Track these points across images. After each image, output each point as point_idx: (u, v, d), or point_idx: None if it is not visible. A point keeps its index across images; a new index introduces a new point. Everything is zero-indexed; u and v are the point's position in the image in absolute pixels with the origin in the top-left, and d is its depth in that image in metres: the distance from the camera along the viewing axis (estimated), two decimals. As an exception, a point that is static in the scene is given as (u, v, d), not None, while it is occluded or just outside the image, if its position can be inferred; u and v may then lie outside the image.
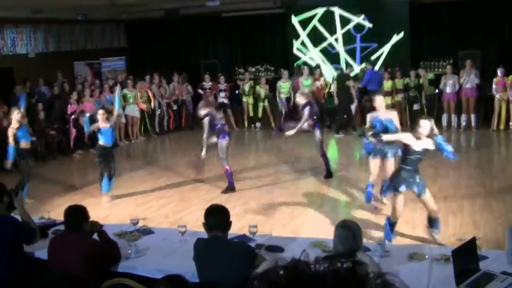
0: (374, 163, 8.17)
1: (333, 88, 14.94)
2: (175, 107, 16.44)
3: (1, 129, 12.44)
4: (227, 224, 4.28)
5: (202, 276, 4.27)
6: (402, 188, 6.49)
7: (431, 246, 5.29)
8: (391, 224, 6.74)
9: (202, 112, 9.37)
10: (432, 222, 6.76)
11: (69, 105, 13.94)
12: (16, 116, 9.33)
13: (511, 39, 16.41)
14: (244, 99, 16.23)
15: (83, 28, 18.88)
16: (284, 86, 15.35)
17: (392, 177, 6.88)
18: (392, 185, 6.68)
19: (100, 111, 9.58)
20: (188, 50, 19.32)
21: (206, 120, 9.24)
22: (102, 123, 9.30)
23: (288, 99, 15.05)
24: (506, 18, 16.39)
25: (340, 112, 14.66)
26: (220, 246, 4.19)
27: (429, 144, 6.42)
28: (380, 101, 8.13)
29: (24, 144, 9.38)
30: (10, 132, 9.24)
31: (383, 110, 8.04)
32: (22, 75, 15.63)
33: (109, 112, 10.02)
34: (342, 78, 14.83)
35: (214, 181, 10.46)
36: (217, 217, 4.26)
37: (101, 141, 9.30)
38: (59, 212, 4.85)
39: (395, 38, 16.50)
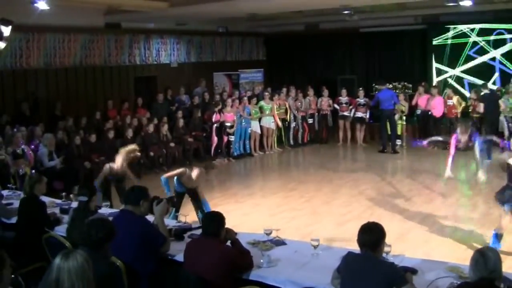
0: None
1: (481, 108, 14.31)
2: (310, 121, 16.53)
3: (147, 134, 13.20)
4: (379, 243, 4.21)
5: None
6: (507, 208, 6.63)
7: None
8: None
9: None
10: None
11: (214, 114, 14.36)
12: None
13: None
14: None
15: (223, 40, 19.52)
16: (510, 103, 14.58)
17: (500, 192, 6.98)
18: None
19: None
20: (325, 64, 19.39)
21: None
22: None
23: None
24: None
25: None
26: (371, 265, 4.12)
27: None
28: None
29: None
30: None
31: None
32: (165, 84, 16.43)
33: None
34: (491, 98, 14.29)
35: (347, 196, 10.42)
36: (368, 234, 4.20)
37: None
38: (194, 216, 4.95)
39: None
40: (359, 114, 15.96)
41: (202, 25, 17.45)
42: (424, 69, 17.81)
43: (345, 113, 16.12)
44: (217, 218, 4.83)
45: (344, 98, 16.18)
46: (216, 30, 18.46)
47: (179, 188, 8.24)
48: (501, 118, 14.20)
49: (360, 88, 16.44)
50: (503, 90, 15.19)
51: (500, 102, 14.27)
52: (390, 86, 16.62)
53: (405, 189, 10.81)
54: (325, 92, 16.56)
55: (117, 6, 13.64)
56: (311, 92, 16.61)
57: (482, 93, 14.67)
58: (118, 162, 8.67)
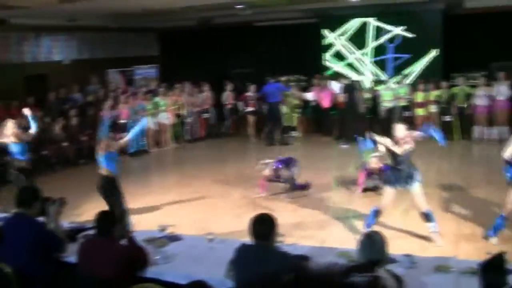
0: None
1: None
2: (206, 116, 16.64)
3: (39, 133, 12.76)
4: (271, 233, 4.29)
5: (238, 281, 4.30)
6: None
7: (457, 258, 5.24)
8: None
9: None
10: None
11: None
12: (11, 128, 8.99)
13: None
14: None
15: (117, 37, 19.18)
16: (386, 94, 15.25)
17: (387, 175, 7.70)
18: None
19: None
20: (219, 59, 19.46)
21: None
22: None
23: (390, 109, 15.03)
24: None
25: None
26: (262, 255, 4.21)
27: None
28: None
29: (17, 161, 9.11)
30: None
31: None
32: (57, 82, 15.95)
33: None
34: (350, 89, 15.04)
35: (242, 189, 10.56)
36: (260, 225, 4.29)
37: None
38: (89, 216, 4.91)
39: (431, 53, 16.50)
40: (250, 108, 16.28)
41: (95, 21, 17.05)
42: (317, 62, 18.30)
43: (253, 109, 16.40)
44: (109, 217, 4.83)
45: (252, 94, 16.37)
46: (109, 26, 18.09)
47: None
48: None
49: (249, 83, 16.75)
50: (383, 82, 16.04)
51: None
52: (283, 78, 16.95)
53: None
54: (229, 87, 16.72)
55: (3, 1, 13.06)
56: (206, 87, 16.70)
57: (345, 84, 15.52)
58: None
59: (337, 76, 16.92)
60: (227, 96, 16.68)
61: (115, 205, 7.73)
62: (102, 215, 4.83)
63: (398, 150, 7.19)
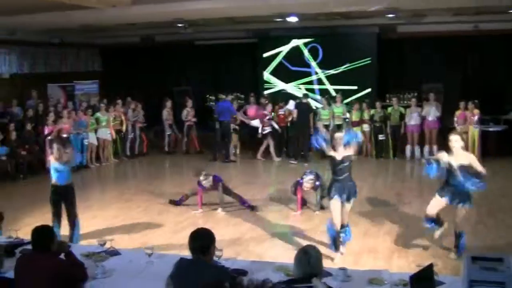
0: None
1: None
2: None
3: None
4: (209, 248, 4.36)
5: None
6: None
7: (390, 271, 5.44)
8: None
9: None
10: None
11: (46, 126, 14.04)
12: None
13: (473, 74, 17.03)
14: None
15: (58, 51, 19.00)
16: (323, 113, 15.64)
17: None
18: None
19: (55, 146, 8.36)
20: (161, 76, 19.59)
21: None
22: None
23: (327, 126, 15.39)
24: (468, 54, 17.06)
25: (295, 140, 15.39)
26: (200, 269, 4.28)
27: None
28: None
29: None
30: None
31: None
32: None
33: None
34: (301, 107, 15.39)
35: (181, 205, 10.65)
36: (198, 240, 4.36)
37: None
38: (28, 231, 4.90)
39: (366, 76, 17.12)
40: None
41: (36, 35, 16.90)
42: (255, 81, 18.67)
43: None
44: (46, 232, 4.79)
45: (190, 109, 16.67)
46: (50, 41, 17.94)
47: None
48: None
49: (187, 97, 17.00)
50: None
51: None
52: (230, 97, 17.17)
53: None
54: (189, 103, 16.81)
55: None
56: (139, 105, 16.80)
57: (297, 102, 15.88)
58: None
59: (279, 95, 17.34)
60: (187, 113, 16.71)
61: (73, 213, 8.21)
62: (38, 230, 4.77)
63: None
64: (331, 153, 7.46)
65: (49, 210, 8.37)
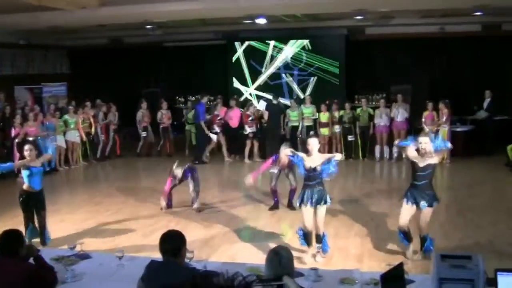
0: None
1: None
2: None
3: None
4: (180, 250, 4.34)
5: None
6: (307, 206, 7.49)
7: (361, 271, 5.52)
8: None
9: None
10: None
11: (13, 128, 13.87)
12: None
13: (441, 75, 17.32)
14: (187, 127, 16.56)
15: (25, 53, 18.76)
16: (292, 114, 15.71)
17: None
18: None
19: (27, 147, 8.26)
20: (130, 78, 19.49)
21: None
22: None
23: (295, 128, 15.56)
24: (436, 56, 17.33)
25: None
26: (171, 271, 4.24)
27: None
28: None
29: None
30: None
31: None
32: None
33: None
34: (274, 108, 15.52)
35: (153, 207, 10.62)
36: (169, 242, 4.34)
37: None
38: None
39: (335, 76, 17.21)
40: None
41: (2, 36, 16.65)
42: (225, 83, 18.71)
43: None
44: (14, 236, 4.71)
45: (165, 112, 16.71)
46: (17, 42, 17.70)
47: None
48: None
49: (162, 100, 16.96)
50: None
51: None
52: (193, 98, 17.15)
53: (210, 197, 11.29)
54: (164, 105, 16.74)
55: None
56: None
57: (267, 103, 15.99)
58: None
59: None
60: (161, 115, 16.64)
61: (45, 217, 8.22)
62: (6, 234, 4.69)
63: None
64: (414, 158, 7.31)
65: (18, 214, 8.28)
